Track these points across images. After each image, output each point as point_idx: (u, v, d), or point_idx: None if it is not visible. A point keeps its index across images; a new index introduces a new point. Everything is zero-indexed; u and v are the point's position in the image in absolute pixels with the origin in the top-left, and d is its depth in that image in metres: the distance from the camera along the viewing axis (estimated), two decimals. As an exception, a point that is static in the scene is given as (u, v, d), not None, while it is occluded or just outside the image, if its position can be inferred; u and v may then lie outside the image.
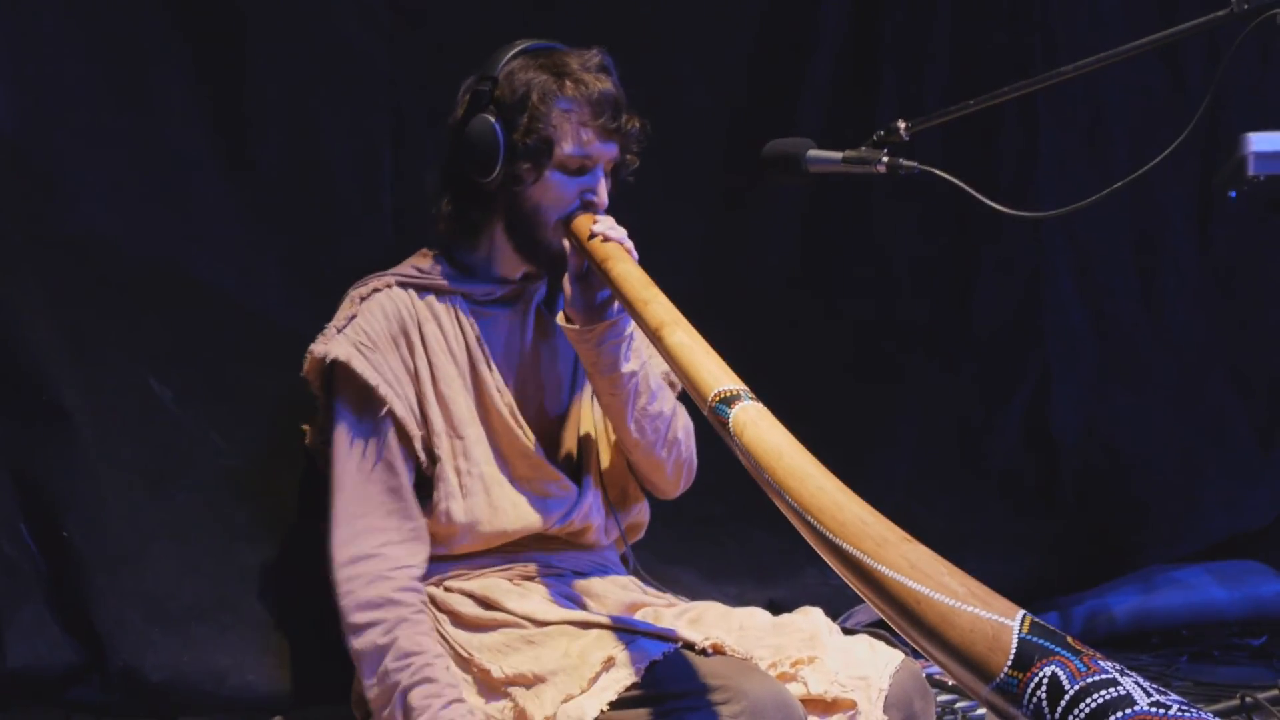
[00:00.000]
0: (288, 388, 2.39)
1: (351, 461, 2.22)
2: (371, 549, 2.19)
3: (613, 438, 2.38)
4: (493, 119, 2.22)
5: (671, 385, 2.41)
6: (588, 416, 2.39)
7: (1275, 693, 2.50)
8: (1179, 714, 1.44)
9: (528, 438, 2.30)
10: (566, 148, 2.23)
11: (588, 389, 2.38)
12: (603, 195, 2.27)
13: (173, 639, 2.39)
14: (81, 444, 2.36)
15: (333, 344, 2.23)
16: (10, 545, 2.30)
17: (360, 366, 2.21)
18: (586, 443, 2.38)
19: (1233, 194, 2.90)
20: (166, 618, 2.39)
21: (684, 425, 2.38)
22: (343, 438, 2.23)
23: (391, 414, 2.22)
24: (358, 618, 2.17)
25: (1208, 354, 3.96)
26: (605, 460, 2.39)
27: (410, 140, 2.77)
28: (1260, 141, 2.75)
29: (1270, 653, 3.38)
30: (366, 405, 2.22)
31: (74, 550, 2.34)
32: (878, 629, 2.48)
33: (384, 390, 2.22)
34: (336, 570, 2.20)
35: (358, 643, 2.17)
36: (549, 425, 2.36)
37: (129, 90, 2.48)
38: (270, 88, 2.61)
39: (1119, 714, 1.43)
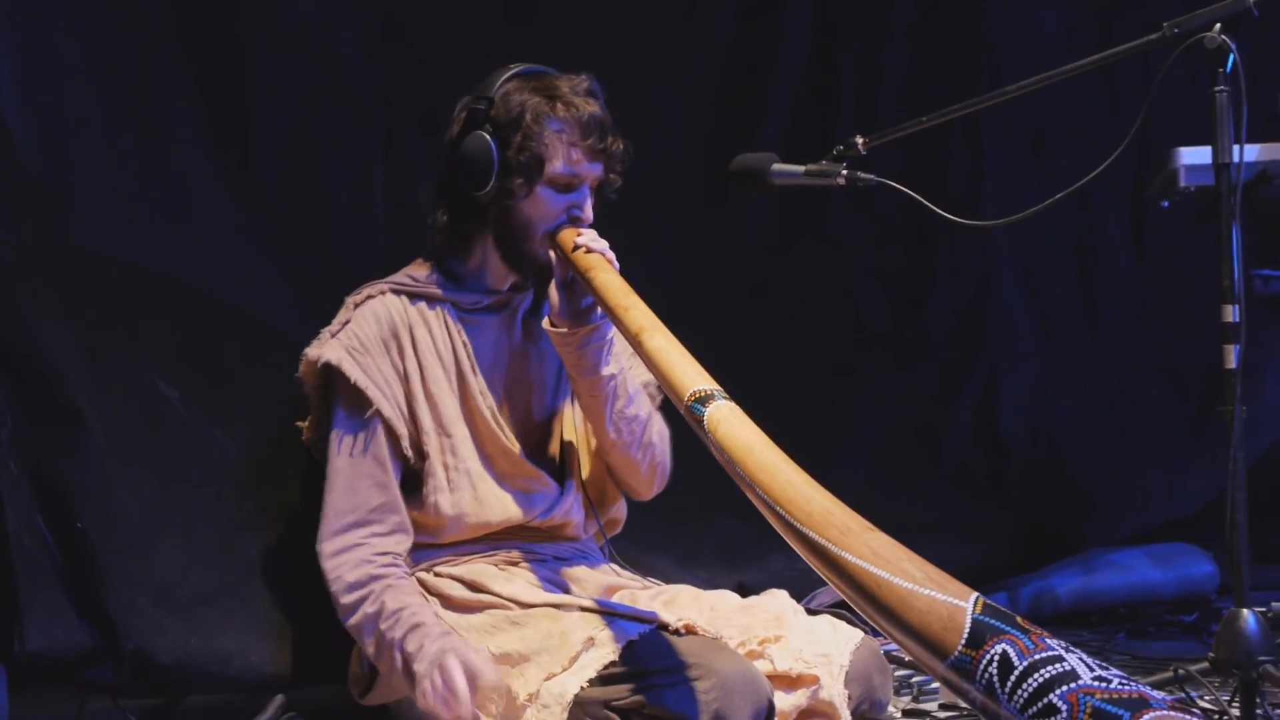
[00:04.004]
0: (287, 388, 2.42)
1: (343, 457, 2.28)
2: (356, 540, 2.25)
3: (593, 443, 2.42)
4: (488, 136, 2.28)
5: (651, 397, 2.44)
6: (570, 422, 2.43)
7: (1205, 665, 2.46)
8: (1119, 686, 1.51)
9: (509, 439, 2.34)
10: (556, 165, 2.29)
11: (572, 397, 2.42)
12: (588, 211, 2.32)
13: (181, 623, 2.41)
14: (94, 443, 2.38)
15: (325, 348, 2.30)
16: (28, 537, 2.31)
17: (350, 369, 2.27)
18: (569, 446, 2.42)
19: (1165, 204, 2.97)
20: (175, 604, 2.42)
21: (659, 430, 2.42)
22: (336, 435, 2.29)
23: (379, 414, 2.28)
24: (347, 599, 2.23)
25: (1143, 353, 4.03)
26: (586, 463, 2.43)
27: (401, 155, 2.80)
28: (1190, 155, 2.81)
29: (1201, 628, 3.45)
30: (357, 405, 2.28)
31: (88, 541, 2.36)
32: (839, 609, 2.53)
33: (372, 392, 2.27)
34: (324, 560, 2.25)
35: (353, 620, 2.22)
36: (534, 428, 2.41)
37: (137, 111, 2.50)
38: (270, 107, 2.64)
39: (1064, 687, 1.50)
